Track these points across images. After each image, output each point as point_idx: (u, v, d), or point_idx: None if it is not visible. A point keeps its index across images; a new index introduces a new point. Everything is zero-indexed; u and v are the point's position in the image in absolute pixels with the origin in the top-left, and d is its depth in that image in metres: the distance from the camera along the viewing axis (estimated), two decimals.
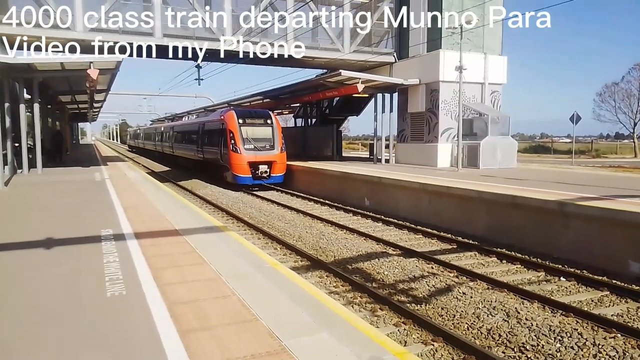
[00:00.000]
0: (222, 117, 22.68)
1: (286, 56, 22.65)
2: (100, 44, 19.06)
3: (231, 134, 21.31)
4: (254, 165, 21.21)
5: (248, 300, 4.79)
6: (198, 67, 25.03)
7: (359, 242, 11.60)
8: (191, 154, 29.09)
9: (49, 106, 28.98)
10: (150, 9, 19.71)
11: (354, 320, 4.48)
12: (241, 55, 21.19)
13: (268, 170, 21.52)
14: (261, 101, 30.34)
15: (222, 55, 20.84)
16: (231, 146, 21.20)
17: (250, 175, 21.12)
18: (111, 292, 5.02)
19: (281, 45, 21.47)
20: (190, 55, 23.01)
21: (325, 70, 26.66)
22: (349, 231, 12.85)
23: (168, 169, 35.91)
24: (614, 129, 73.94)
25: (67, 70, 17.57)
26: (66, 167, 22.41)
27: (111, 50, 18.03)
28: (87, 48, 19.71)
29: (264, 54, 21.16)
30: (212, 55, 22.60)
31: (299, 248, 10.86)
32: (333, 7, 22.76)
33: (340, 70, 20.51)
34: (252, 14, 21.34)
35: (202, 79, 26.78)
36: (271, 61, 24.56)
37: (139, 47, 19.23)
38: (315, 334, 4.06)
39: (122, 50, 17.44)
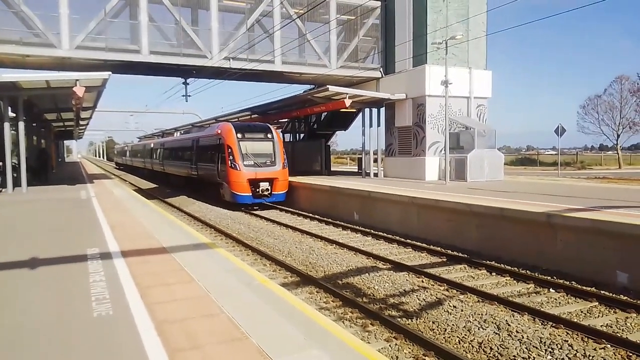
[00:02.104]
0: (219, 132, 21.25)
1: (274, 72, 22.85)
2: (86, 61, 19.08)
3: (229, 150, 19.98)
4: (254, 183, 19.90)
5: (237, 318, 4.73)
6: (185, 83, 24.99)
7: (349, 256, 11.56)
8: (184, 171, 27.70)
9: (34, 124, 28.72)
10: (137, 27, 19.74)
11: (344, 336, 4.44)
12: (229, 72, 21.34)
13: (269, 187, 20.17)
14: (249, 117, 30.40)
15: (209, 72, 20.97)
16: (229, 162, 19.90)
17: (250, 194, 19.81)
18: (98, 312, 4.93)
19: (269, 62, 21.65)
20: (177, 72, 23.15)
21: (312, 86, 26.85)
22: (338, 246, 12.81)
23: (155, 185, 35.66)
24: (598, 141, 75.10)
25: (53, 88, 17.47)
26: (51, 185, 22.13)
27: (98, 67, 18.02)
28: (73, 65, 19.68)
29: (251, 70, 21.35)
30: (199, 72, 22.69)
31: (289, 264, 10.79)
32: (320, 24, 23.00)
33: (327, 86, 20.69)
34: (240, 31, 21.53)
35: (189, 95, 26.55)
36: (259, 77, 24.77)
37: (126, 64, 19.27)
38: (306, 351, 4.01)
39: (109, 67, 17.44)
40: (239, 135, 20.24)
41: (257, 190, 19.91)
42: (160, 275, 6.36)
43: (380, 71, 24.12)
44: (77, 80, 15.97)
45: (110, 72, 16.03)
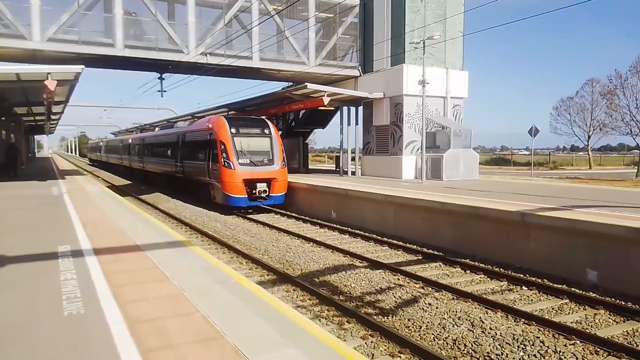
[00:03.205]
0: (210, 126, 19.34)
1: (251, 68, 22.68)
2: (58, 54, 18.61)
3: (222, 146, 18.02)
4: (250, 184, 17.98)
5: (212, 317, 4.67)
6: (161, 78, 24.60)
7: (326, 254, 11.56)
8: (168, 170, 25.48)
9: (3, 118, 27.89)
10: (111, 20, 19.34)
11: (321, 334, 4.42)
12: (205, 67, 21.09)
13: (267, 189, 18.24)
14: (226, 113, 30.10)
15: (185, 67, 20.69)
16: (222, 160, 17.91)
17: (245, 196, 17.87)
18: (69, 311, 4.80)
19: (246, 58, 21.48)
20: (153, 67, 22.79)
21: (291, 83, 26.77)
22: (315, 244, 12.80)
23: (129, 182, 35.03)
24: (570, 142, 76.98)
25: (23, 81, 16.96)
26: (21, 181, 21.52)
27: (70, 60, 17.60)
28: (44, 58, 19.18)
29: (228, 66, 21.15)
30: (175, 67, 22.38)
31: (265, 262, 10.73)
32: (298, 21, 22.93)
33: (306, 83, 20.64)
34: (217, 26, 21.31)
35: (165, 91, 26.11)
36: (236, 73, 24.55)
37: (100, 58, 18.86)
38: (283, 350, 3.98)
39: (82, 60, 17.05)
40: (233, 130, 18.40)
41: (254, 191, 18.00)
42: (134, 274, 6.24)
43: (358, 70, 24.19)
44: (48, 73, 15.54)
45: (83, 66, 15.65)
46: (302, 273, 10.05)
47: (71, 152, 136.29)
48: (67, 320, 4.59)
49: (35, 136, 77.89)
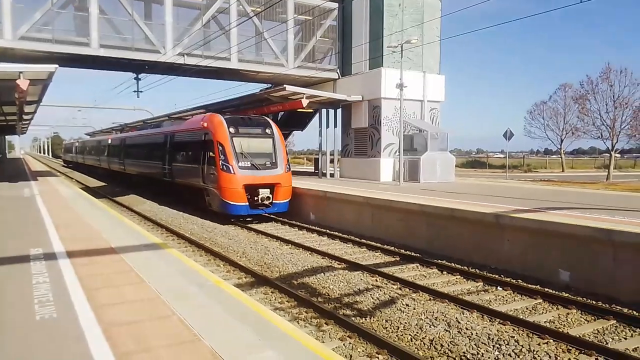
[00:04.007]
0: (205, 125, 17.50)
1: (229, 70, 22.55)
2: (31, 53, 18.19)
3: (220, 147, 16.19)
4: (251, 190, 16.13)
5: (189, 320, 4.63)
6: (137, 79, 24.25)
7: (304, 256, 11.55)
8: (153, 172, 23.47)
9: None
10: (86, 19, 18.99)
11: (299, 336, 4.43)
12: (183, 68, 20.89)
13: (270, 195, 16.39)
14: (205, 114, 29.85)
15: (162, 68, 20.44)
16: (220, 164, 16.06)
17: (246, 203, 16.01)
18: (40, 315, 4.70)
19: (224, 59, 21.34)
20: (128, 67, 22.45)
21: (269, 85, 26.70)
22: (294, 246, 12.78)
23: (104, 184, 34.41)
24: (544, 145, 78.61)
25: None
26: None
27: (43, 59, 17.21)
28: (16, 57, 18.73)
29: (206, 67, 20.98)
30: (152, 67, 22.10)
31: (243, 264, 10.67)
32: (277, 23, 22.90)
33: (284, 85, 20.61)
34: (195, 27, 21.13)
35: (141, 91, 25.72)
36: (214, 74, 24.38)
37: (74, 58, 18.50)
38: (260, 352, 3.97)
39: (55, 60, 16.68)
40: (232, 130, 16.56)
41: (256, 198, 16.14)
42: (109, 277, 6.14)
43: (337, 72, 24.27)
44: (20, 72, 15.14)
45: (57, 65, 15.30)
46: (280, 275, 10.02)
47: (44, 153, 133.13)
48: (39, 325, 4.49)
49: (7, 136, 75.83)
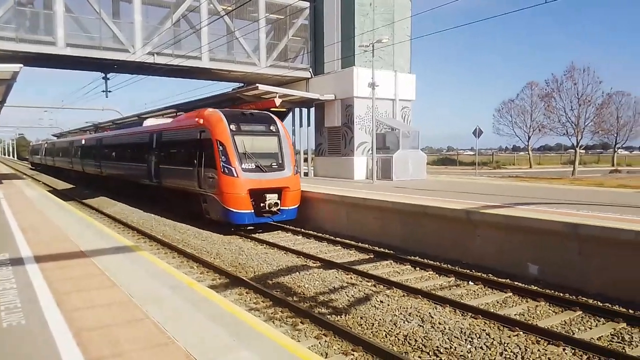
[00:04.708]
0: (201, 121, 15.46)
1: (201, 69, 22.31)
2: None
3: (220, 147, 14.22)
4: (257, 195, 14.21)
5: (163, 323, 4.58)
6: (105, 78, 23.74)
7: (279, 256, 11.54)
8: (137, 176, 21.32)
9: None
10: (52, 17, 18.50)
11: (275, 336, 4.44)
12: (153, 67, 20.56)
13: (278, 201, 14.55)
14: (175, 114, 29.42)
15: (132, 67, 20.08)
16: (221, 165, 14.08)
17: (252, 210, 14.11)
18: (8, 323, 4.57)
19: (195, 58, 21.11)
20: (96, 66, 21.98)
21: (241, 84, 26.54)
22: (268, 245, 12.75)
23: (72, 186, 33.56)
24: (512, 142, 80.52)
25: None
26: None
27: (7, 59, 16.68)
28: None
29: (177, 66, 20.71)
30: (121, 66, 21.69)
31: (217, 265, 10.58)
32: (249, 22, 22.78)
33: (257, 84, 20.52)
34: (165, 25, 20.83)
35: (110, 91, 25.18)
36: (185, 73, 24.09)
37: (40, 57, 17.99)
38: (236, 353, 3.96)
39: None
40: (233, 127, 14.60)
41: (262, 205, 14.31)
42: (79, 281, 6.01)
43: (309, 71, 24.30)
44: None
45: (21, 65, 14.85)
46: (255, 275, 9.99)
47: (9, 155, 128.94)
48: (7, 332, 4.37)
49: None
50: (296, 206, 15.06)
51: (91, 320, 4.64)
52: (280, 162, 15.08)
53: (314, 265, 10.66)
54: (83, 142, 33.54)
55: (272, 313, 7.57)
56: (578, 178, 33.77)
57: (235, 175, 14.03)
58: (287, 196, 14.73)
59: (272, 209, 14.39)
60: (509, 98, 60.75)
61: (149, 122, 22.61)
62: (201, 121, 15.45)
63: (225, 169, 14.05)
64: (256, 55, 22.96)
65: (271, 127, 15.54)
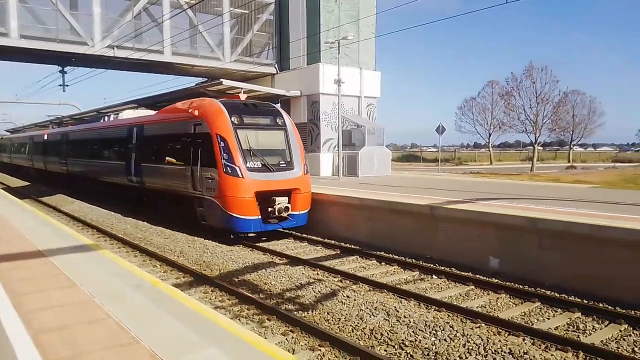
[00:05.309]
0: (196, 113, 13.46)
1: (163, 63, 21.85)
2: None
3: (222, 143, 12.39)
4: (264, 198, 12.44)
5: (126, 322, 4.47)
6: (63, 72, 22.93)
7: (245, 253, 11.45)
8: (112, 175, 19.29)
9: None
10: (3, 7, 17.70)
11: (242, 333, 4.40)
12: (113, 61, 19.98)
13: (289, 205, 12.74)
14: (136, 109, 28.70)
15: (90, 60, 19.46)
16: (222, 164, 12.23)
17: (259, 217, 12.30)
18: None
19: (157, 52, 20.65)
20: (53, 59, 21.19)
21: (205, 79, 26.15)
22: (233, 243, 12.62)
23: (28, 183, 32.28)
24: (473, 139, 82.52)
25: None
26: None
27: None
28: None
29: (138, 60, 20.21)
30: (79, 60, 20.98)
31: (181, 264, 10.41)
32: (213, 16, 22.44)
33: (221, 79, 20.24)
34: (125, 18, 20.28)
35: (67, 85, 24.33)
36: (147, 67, 23.55)
37: None
38: (202, 351, 3.90)
39: None
40: (235, 120, 12.78)
41: (270, 209, 12.50)
42: (37, 281, 5.79)
43: (275, 67, 24.17)
44: None
45: None
46: (220, 273, 9.88)
47: None
48: None
49: None
50: (307, 210, 13.35)
51: (50, 321, 4.48)
52: (288, 160, 13.36)
53: (281, 262, 10.63)
54: (45, 137, 31.10)
55: (238, 311, 7.51)
56: (536, 174, 34.94)
57: (240, 175, 12.17)
58: (298, 199, 12.98)
59: (281, 215, 12.57)
60: (471, 96, 62.16)
61: (127, 115, 20.54)
62: (196, 112, 13.44)
63: (228, 168, 12.20)
64: (220, 50, 22.66)
65: (277, 120, 13.78)
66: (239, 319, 7.11)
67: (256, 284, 9.02)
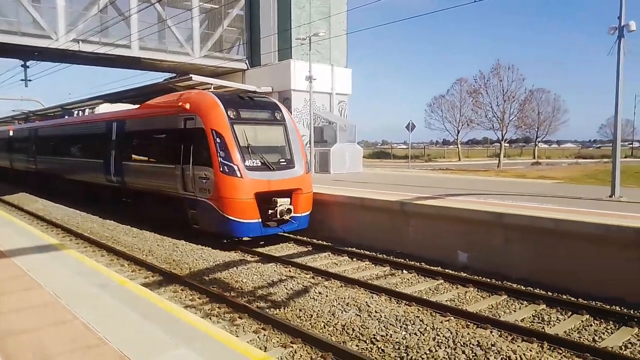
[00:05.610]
0: (187, 106, 12.20)
1: (130, 58, 21.39)
2: None
3: (218, 140, 11.37)
4: (264, 199, 11.47)
5: (93, 323, 4.37)
6: (25, 66, 22.17)
7: (215, 251, 11.32)
8: (88, 174, 17.98)
9: None
10: None
11: (212, 332, 4.37)
12: (78, 55, 19.43)
13: (291, 207, 11.80)
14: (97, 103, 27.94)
15: (54, 55, 18.89)
16: (219, 163, 11.22)
17: (259, 220, 11.34)
18: None
19: (124, 46, 20.20)
20: (14, 53, 20.47)
21: (174, 75, 25.73)
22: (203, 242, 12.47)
23: None
24: (442, 136, 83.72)
25: None
26: None
27: None
28: None
29: (104, 54, 19.72)
30: (42, 54, 20.33)
31: (150, 262, 10.23)
32: (181, 10, 22.09)
33: (190, 75, 19.97)
34: (90, 11, 19.75)
35: (29, 80, 23.53)
36: (114, 62, 23.01)
37: None
38: (173, 351, 3.86)
39: None
40: (231, 114, 11.74)
41: (271, 212, 11.52)
42: (0, 283, 5.61)
43: (245, 63, 23.98)
44: None
45: None
46: (190, 272, 9.75)
47: None
48: None
49: None
50: (309, 212, 12.42)
51: (15, 324, 4.35)
52: (288, 157, 12.42)
53: (252, 259, 10.58)
54: (11, 133, 29.18)
55: (209, 309, 7.44)
56: (503, 170, 35.78)
57: (239, 175, 11.17)
58: (299, 200, 12.03)
59: (283, 217, 11.63)
60: (440, 94, 63.12)
61: (104, 109, 18.99)
62: (187, 106, 12.20)
63: (225, 167, 11.17)
64: (189, 45, 22.33)
65: (276, 114, 12.78)
66: (210, 318, 7.05)
67: (227, 282, 8.96)
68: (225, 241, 11.98)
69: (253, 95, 13.64)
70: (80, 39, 19.27)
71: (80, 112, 21.50)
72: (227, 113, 11.68)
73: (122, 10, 20.96)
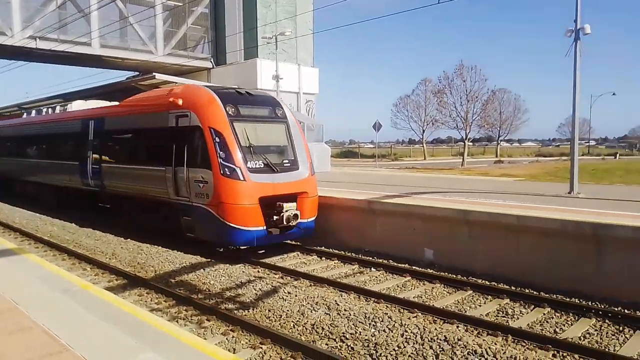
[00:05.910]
0: (180, 102, 11.00)
1: (91, 56, 20.80)
2: None
3: (217, 139, 10.22)
4: (268, 204, 10.41)
5: (55, 330, 4.22)
6: None
7: (181, 253, 11.12)
8: (62, 178, 16.65)
9: None
10: None
11: (180, 335, 4.29)
12: (35, 53, 18.75)
13: (297, 212, 10.73)
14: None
15: (9, 52, 18.15)
16: (219, 164, 10.07)
17: (263, 227, 10.25)
18: None
19: (84, 44, 19.62)
20: None
21: (137, 73, 25.16)
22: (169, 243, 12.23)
23: None
24: (408, 135, 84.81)
25: None
26: None
27: None
28: None
29: (63, 52, 19.10)
30: None
31: (114, 266, 9.97)
32: (144, 7, 21.61)
33: (154, 73, 19.54)
34: (48, 7, 19.09)
35: None
36: (73, 60, 22.33)
37: None
38: (138, 355, 3.77)
39: None
40: (230, 111, 10.62)
41: (276, 218, 10.44)
42: None
43: (211, 61, 23.69)
44: None
45: None
46: (156, 275, 9.55)
47: None
48: None
49: None
50: (314, 218, 11.38)
51: None
52: (292, 158, 11.39)
53: (220, 261, 10.44)
54: None
55: (176, 312, 7.31)
56: (467, 168, 36.58)
57: (242, 178, 10.06)
58: (305, 204, 11.00)
59: (290, 224, 10.60)
60: (406, 94, 64.03)
61: (77, 106, 17.61)
62: (180, 101, 11.00)
63: (226, 169, 10.04)
64: (153, 43, 21.90)
65: (277, 111, 11.73)
66: (177, 321, 6.92)
67: (194, 284, 8.82)
68: (220, 250, 11.26)
69: (251, 91, 12.49)
70: (38, 36, 18.61)
71: (50, 109, 20.03)
72: (225, 110, 10.58)
73: (82, 7, 20.35)
